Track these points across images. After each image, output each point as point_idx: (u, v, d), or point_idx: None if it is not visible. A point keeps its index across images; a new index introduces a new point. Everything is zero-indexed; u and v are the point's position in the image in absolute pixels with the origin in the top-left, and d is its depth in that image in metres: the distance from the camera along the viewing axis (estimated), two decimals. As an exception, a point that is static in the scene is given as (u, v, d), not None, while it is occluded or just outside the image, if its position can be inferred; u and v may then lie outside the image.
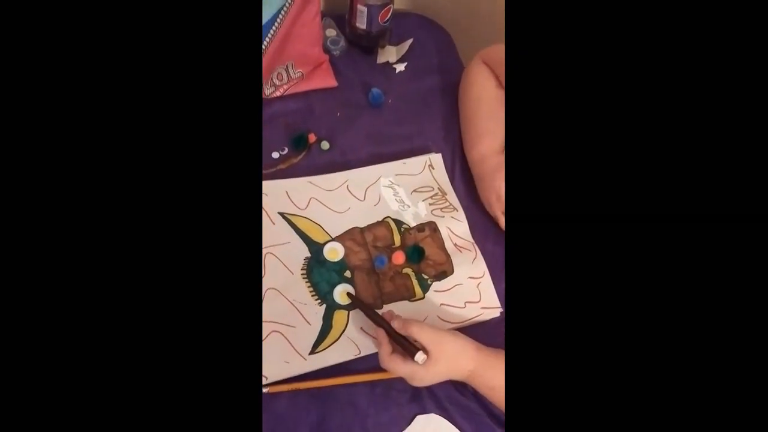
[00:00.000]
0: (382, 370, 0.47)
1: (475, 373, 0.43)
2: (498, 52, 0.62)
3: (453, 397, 0.47)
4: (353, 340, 0.49)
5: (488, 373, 0.43)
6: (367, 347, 0.48)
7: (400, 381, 0.47)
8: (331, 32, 0.68)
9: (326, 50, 0.66)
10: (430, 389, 0.47)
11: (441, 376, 0.43)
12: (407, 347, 0.43)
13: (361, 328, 0.49)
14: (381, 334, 0.44)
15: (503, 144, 0.59)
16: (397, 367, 0.43)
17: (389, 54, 0.69)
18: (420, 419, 0.46)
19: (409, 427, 0.46)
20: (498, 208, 0.53)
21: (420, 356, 0.42)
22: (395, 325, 0.43)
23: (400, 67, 0.68)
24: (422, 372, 0.42)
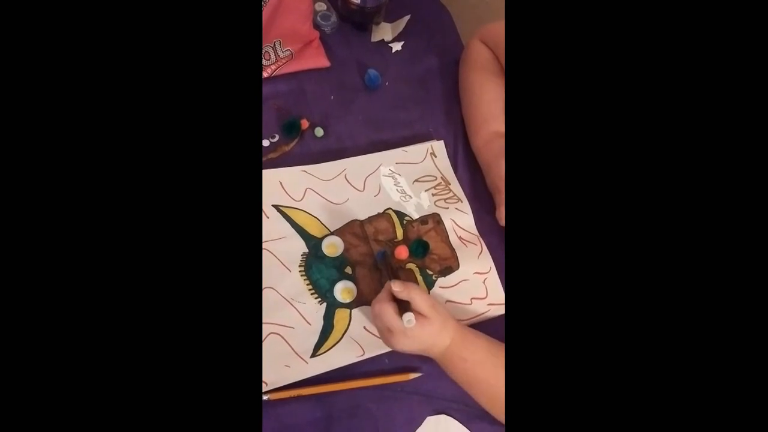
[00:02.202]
0: (388, 373, 0.46)
1: (452, 345, 0.42)
2: (497, 30, 0.59)
3: (465, 398, 0.45)
4: (356, 341, 0.46)
5: (463, 344, 0.42)
6: (372, 348, 0.46)
7: (409, 383, 0.46)
8: (321, 6, 0.63)
9: (316, 26, 0.61)
10: (442, 392, 0.46)
11: (425, 341, 0.42)
12: (404, 307, 0.42)
13: (364, 328, 0.47)
14: (389, 285, 0.43)
15: (504, 129, 0.57)
16: (388, 315, 0.41)
17: (384, 32, 0.65)
18: (430, 420, 0.45)
19: (420, 428, 0.45)
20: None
21: (408, 316, 0.40)
22: (395, 288, 0.42)
23: (397, 47, 0.64)
24: (413, 330, 0.41)
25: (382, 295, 0.43)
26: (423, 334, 0.41)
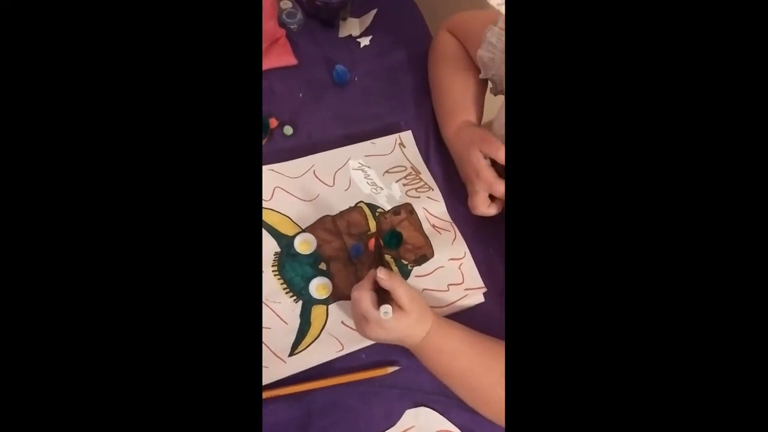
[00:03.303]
0: (365, 368, 0.45)
1: (428, 336, 0.42)
2: (464, 20, 0.59)
3: (444, 390, 0.44)
4: (335, 336, 0.46)
5: (439, 335, 0.42)
6: (351, 342, 0.46)
7: (388, 377, 0.45)
8: (287, 4, 0.63)
9: (282, 24, 0.61)
10: (420, 384, 0.45)
11: (399, 333, 0.41)
12: (383, 297, 0.41)
13: (342, 322, 0.47)
14: (372, 272, 0.42)
15: (479, 117, 0.56)
16: (365, 304, 0.40)
17: (352, 27, 0.64)
18: (410, 413, 0.44)
19: (400, 421, 0.44)
20: (480, 186, 0.49)
21: (385, 308, 0.39)
22: (381, 274, 0.41)
23: (365, 41, 0.64)
24: (389, 322, 0.40)
25: (364, 282, 0.42)
26: (398, 326, 0.41)
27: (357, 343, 0.46)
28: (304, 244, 0.49)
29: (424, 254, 0.51)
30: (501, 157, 0.48)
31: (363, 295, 0.41)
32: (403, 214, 0.52)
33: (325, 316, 0.47)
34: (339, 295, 0.48)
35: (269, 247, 0.49)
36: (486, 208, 0.50)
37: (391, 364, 0.46)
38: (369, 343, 0.46)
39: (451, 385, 0.43)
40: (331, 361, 0.45)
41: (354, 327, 0.46)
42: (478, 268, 0.51)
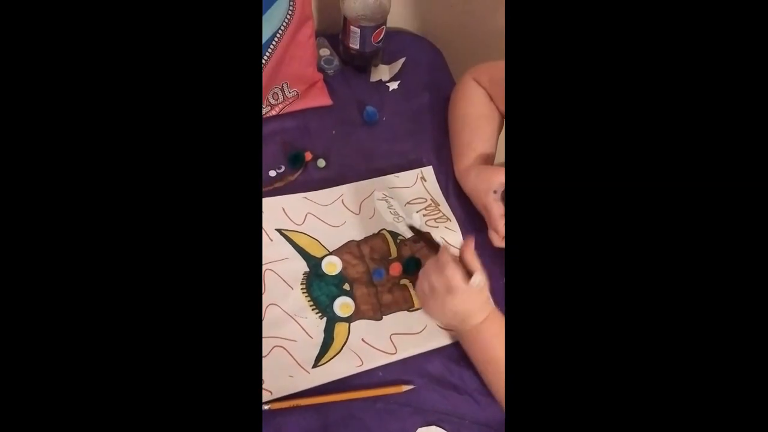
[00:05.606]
0: (383, 385, 0.48)
1: (489, 319, 0.46)
2: (491, 66, 0.63)
3: (456, 411, 0.47)
4: (355, 352, 0.49)
5: (498, 319, 0.46)
6: (370, 359, 0.49)
7: (402, 395, 0.48)
8: (325, 51, 0.71)
9: (320, 69, 0.68)
10: (433, 404, 0.48)
11: (475, 305, 0.45)
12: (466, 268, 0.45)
13: (363, 339, 0.50)
14: (445, 252, 0.47)
15: (489, 156, 0.60)
16: (459, 275, 0.44)
17: (382, 72, 0.71)
18: (422, 431, 0.46)
19: (411, 438, 0.46)
20: (492, 226, 0.53)
21: (478, 276, 0.43)
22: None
23: (393, 86, 0.70)
24: (476, 293, 0.44)
25: (446, 258, 0.45)
26: (479, 298, 0.45)
27: (375, 360, 0.49)
28: (331, 266, 0.54)
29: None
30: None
31: (457, 270, 0.45)
32: (422, 242, 0.56)
33: (347, 333, 0.50)
34: (360, 313, 0.52)
35: (299, 266, 0.54)
36: (500, 242, 0.53)
37: (406, 383, 0.48)
38: (386, 361, 0.49)
39: (490, 372, 0.46)
40: (350, 376, 0.48)
41: (374, 345, 0.49)
42: (492, 289, 0.53)
